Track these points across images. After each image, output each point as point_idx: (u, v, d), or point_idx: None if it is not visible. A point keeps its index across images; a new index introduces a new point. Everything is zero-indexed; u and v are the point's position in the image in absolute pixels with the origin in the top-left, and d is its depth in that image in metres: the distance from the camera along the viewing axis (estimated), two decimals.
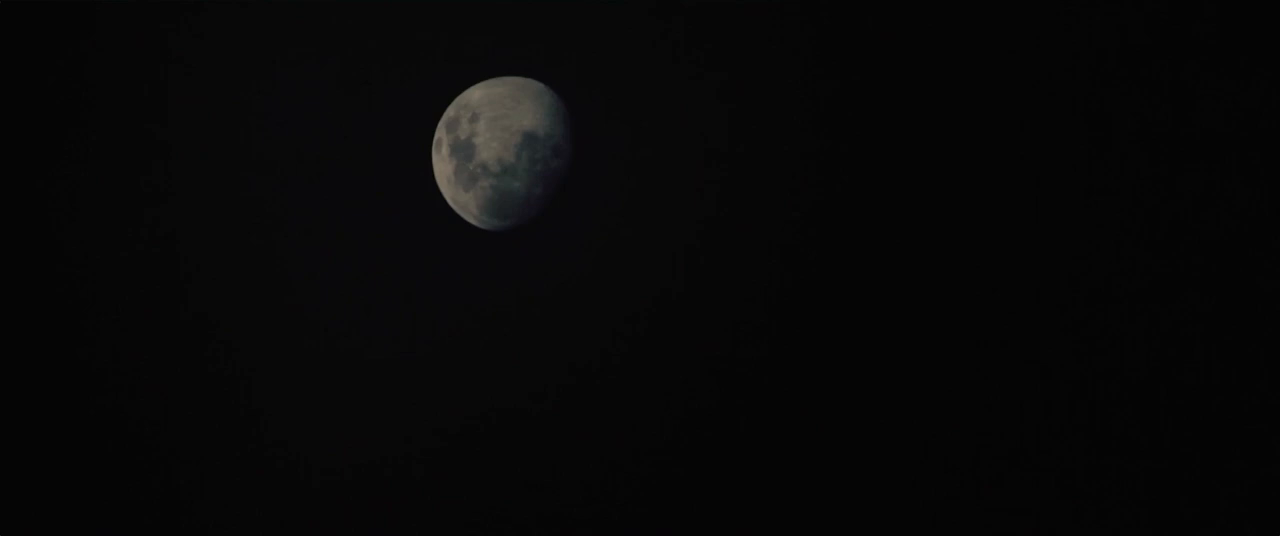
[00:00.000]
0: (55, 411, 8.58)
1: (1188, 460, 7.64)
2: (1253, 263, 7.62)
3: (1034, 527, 7.77)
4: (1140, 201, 7.75)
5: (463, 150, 8.08)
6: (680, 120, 8.17)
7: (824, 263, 8.02)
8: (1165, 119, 7.73)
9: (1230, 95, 7.64)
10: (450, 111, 8.20)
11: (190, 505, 8.50)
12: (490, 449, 8.35)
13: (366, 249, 8.47)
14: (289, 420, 8.47)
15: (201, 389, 8.54)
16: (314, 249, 8.50)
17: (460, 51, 8.36)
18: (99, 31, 8.62)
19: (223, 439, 8.51)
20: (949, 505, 7.87)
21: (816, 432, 8.00)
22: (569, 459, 8.26)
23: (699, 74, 8.15)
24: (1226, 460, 7.60)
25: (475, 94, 8.19)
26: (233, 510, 8.49)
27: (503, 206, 8.10)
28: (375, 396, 8.44)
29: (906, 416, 7.93)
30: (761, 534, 8.01)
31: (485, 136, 8.05)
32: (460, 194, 8.15)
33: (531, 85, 8.21)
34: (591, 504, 8.22)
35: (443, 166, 8.18)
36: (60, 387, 8.59)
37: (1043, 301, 7.82)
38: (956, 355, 7.88)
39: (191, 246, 8.57)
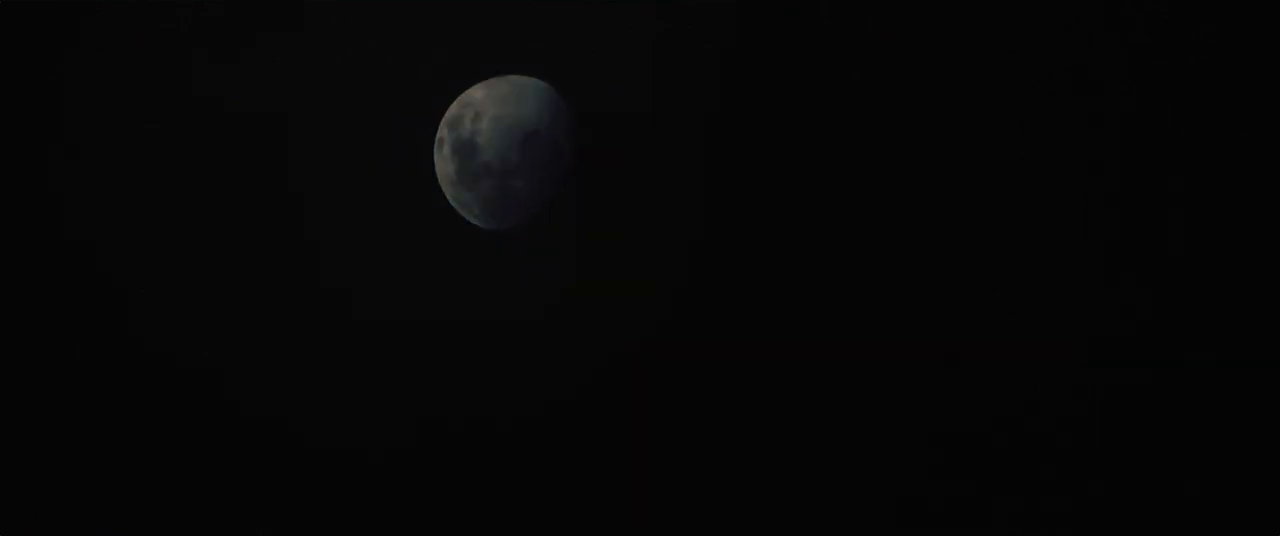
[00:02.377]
0: (54, 411, 8.59)
1: (1188, 460, 7.66)
2: (1253, 263, 7.65)
3: (1033, 527, 7.79)
4: (1129, 202, 7.78)
5: (465, 149, 8.07)
6: (681, 120, 8.18)
7: (826, 262, 8.02)
8: (1160, 118, 7.76)
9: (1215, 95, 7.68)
10: (453, 110, 8.18)
11: (183, 500, 8.50)
12: (490, 447, 8.34)
13: (367, 249, 8.45)
14: (288, 419, 8.45)
15: (197, 386, 8.53)
16: (314, 248, 8.49)
17: (461, 50, 8.35)
18: (100, 32, 8.61)
19: (216, 435, 8.49)
20: (949, 505, 7.89)
21: (820, 432, 8.01)
22: (569, 457, 8.25)
23: (700, 74, 8.16)
24: (1226, 460, 7.62)
25: (477, 93, 8.17)
26: (224, 506, 8.48)
27: (504, 206, 8.09)
28: (375, 395, 8.43)
29: (909, 414, 7.95)
30: (764, 531, 8.03)
31: (487, 135, 8.04)
32: (462, 193, 8.14)
33: (534, 84, 8.20)
34: (590, 502, 8.22)
35: (444, 166, 8.17)
36: (58, 387, 8.59)
37: (1033, 300, 7.85)
38: (963, 354, 7.90)
39: (192, 246, 8.56)
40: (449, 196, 8.23)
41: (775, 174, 8.10)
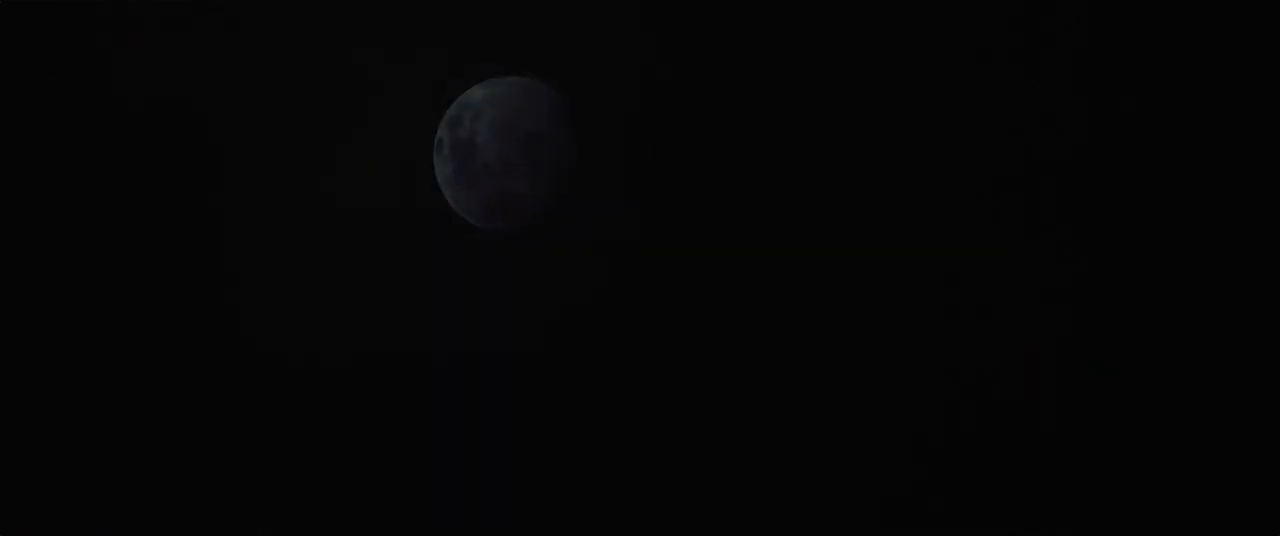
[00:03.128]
0: (57, 409, 8.62)
1: (1188, 460, 7.67)
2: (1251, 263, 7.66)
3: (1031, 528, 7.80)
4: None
5: (464, 150, 8.08)
6: (681, 120, 8.18)
7: (827, 262, 8.03)
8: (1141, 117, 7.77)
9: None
10: (452, 111, 8.19)
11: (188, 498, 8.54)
12: (488, 446, 8.35)
13: (366, 249, 8.46)
14: (288, 418, 8.47)
15: (199, 384, 8.55)
16: (314, 248, 8.50)
17: (461, 51, 8.36)
18: (103, 33, 8.62)
19: (221, 430, 8.52)
20: (950, 507, 7.90)
21: (824, 429, 8.02)
22: (568, 455, 8.27)
23: (700, 74, 8.17)
24: (1226, 460, 7.62)
25: (477, 93, 8.18)
26: (225, 501, 8.52)
27: (504, 207, 8.09)
28: (375, 395, 8.44)
29: (905, 414, 7.97)
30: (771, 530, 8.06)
31: (487, 136, 8.04)
32: (461, 194, 8.14)
33: (533, 85, 8.20)
34: (588, 500, 8.23)
35: (443, 166, 8.17)
36: (58, 385, 8.62)
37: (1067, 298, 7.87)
38: (976, 361, 7.92)
39: (192, 247, 8.58)
40: (448, 196, 8.23)
41: (776, 173, 8.11)
